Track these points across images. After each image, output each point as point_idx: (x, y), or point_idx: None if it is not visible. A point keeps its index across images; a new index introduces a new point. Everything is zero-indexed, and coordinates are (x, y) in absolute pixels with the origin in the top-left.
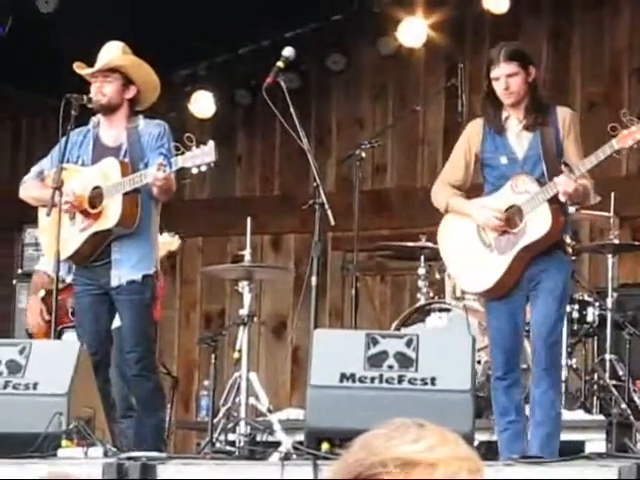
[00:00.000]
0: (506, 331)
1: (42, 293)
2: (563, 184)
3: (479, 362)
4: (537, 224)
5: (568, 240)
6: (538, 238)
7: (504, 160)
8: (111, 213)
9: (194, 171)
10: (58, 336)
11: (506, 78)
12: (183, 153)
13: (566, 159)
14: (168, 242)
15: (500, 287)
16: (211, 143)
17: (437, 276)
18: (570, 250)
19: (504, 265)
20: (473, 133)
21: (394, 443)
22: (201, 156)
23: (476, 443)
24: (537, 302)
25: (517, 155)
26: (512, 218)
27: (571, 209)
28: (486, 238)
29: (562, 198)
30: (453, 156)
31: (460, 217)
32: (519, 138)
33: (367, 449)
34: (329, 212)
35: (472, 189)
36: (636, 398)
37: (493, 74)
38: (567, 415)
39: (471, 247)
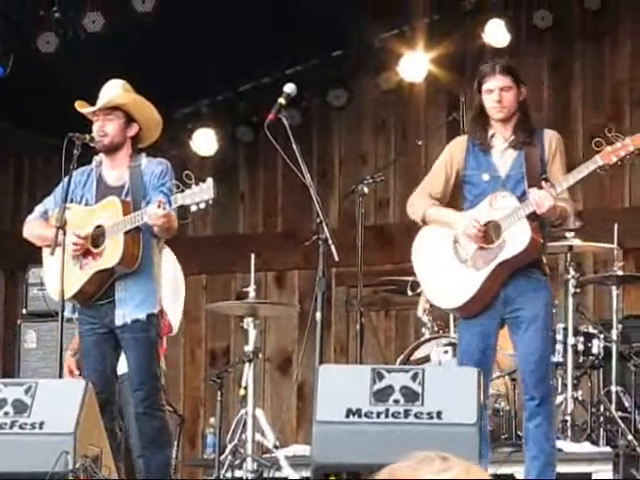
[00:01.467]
0: (476, 353)
1: (69, 353)
2: (541, 197)
3: (487, 395)
4: (515, 240)
5: (544, 260)
6: (516, 254)
7: (486, 177)
8: (113, 252)
9: (193, 209)
10: None
11: (500, 91)
12: (183, 191)
13: (551, 180)
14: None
15: (474, 304)
16: (210, 180)
17: (409, 292)
18: (548, 270)
19: (479, 281)
20: (456, 149)
21: (420, 473)
22: (200, 194)
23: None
24: (519, 332)
25: (500, 173)
26: (489, 234)
27: (577, 241)
28: (462, 253)
29: (537, 211)
30: (433, 170)
31: (436, 229)
32: (503, 156)
33: (392, 476)
34: (333, 248)
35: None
36: None
37: (487, 86)
38: (574, 447)
39: (446, 262)
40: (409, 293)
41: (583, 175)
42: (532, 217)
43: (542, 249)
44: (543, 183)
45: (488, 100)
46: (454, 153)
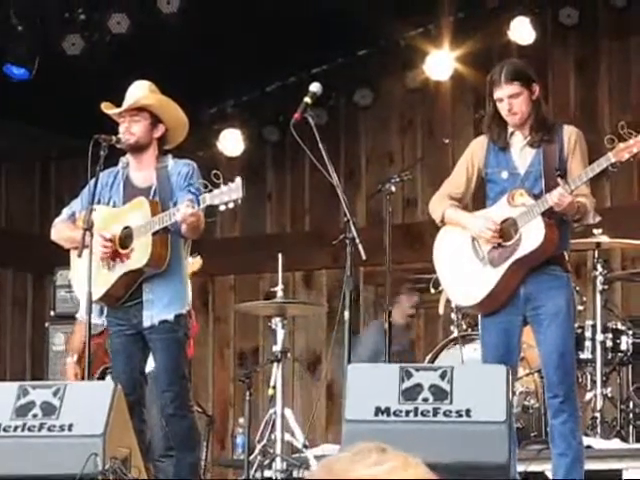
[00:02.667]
0: (500, 349)
1: (75, 357)
2: (556, 195)
3: (514, 393)
4: (530, 237)
5: (567, 257)
6: (531, 251)
7: (505, 175)
8: (141, 253)
9: (222, 208)
10: (102, 377)
11: (509, 99)
12: (211, 191)
13: (569, 176)
14: (190, 263)
15: (492, 301)
16: (238, 180)
17: (432, 290)
18: (570, 267)
19: (495, 278)
20: (477, 148)
21: (355, 467)
22: (228, 193)
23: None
24: (542, 329)
25: (519, 170)
26: (507, 231)
27: (604, 238)
28: (480, 251)
29: (555, 209)
30: (455, 170)
31: (456, 229)
32: (522, 154)
33: (328, 472)
34: (360, 247)
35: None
36: None
37: (496, 96)
38: (603, 444)
39: (464, 260)
40: (431, 291)
41: (595, 172)
42: (548, 214)
43: (561, 245)
44: (559, 180)
45: (500, 108)
46: (475, 153)
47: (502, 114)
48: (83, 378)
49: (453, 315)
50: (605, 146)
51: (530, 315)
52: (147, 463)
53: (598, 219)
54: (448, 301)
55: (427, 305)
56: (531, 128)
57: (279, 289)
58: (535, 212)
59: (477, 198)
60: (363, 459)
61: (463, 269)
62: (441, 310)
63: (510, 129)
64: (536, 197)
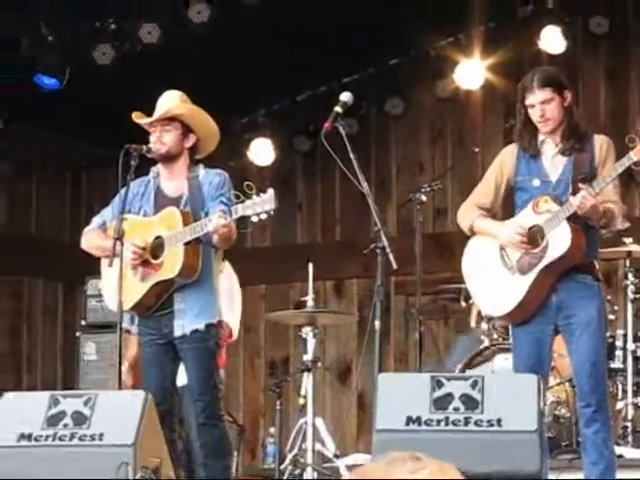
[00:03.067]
0: (531, 359)
1: (126, 365)
2: (579, 197)
3: (545, 402)
4: (557, 242)
5: (597, 266)
6: (559, 256)
7: (537, 183)
8: (173, 263)
9: (254, 219)
10: None
11: (541, 105)
12: (243, 201)
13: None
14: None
15: (522, 311)
16: (271, 191)
17: (462, 303)
18: (600, 276)
19: (525, 286)
20: (507, 157)
21: (393, 474)
22: (261, 204)
23: None
24: (574, 339)
25: (550, 178)
26: (534, 238)
27: (635, 247)
28: (508, 260)
29: (578, 212)
30: (484, 179)
31: (485, 239)
32: (554, 162)
33: (366, 476)
34: (391, 256)
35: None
36: None
37: (528, 102)
38: (634, 453)
39: (493, 269)
40: (462, 304)
41: (618, 172)
42: (573, 219)
43: (590, 252)
44: (580, 184)
45: (532, 114)
46: (504, 162)
47: (534, 120)
48: (134, 387)
49: (484, 325)
50: None
51: (562, 324)
52: (178, 472)
53: (627, 225)
54: (480, 313)
55: (457, 315)
56: (563, 135)
57: (310, 298)
58: (560, 217)
59: (505, 208)
60: (400, 466)
61: (492, 279)
62: (473, 323)
63: (541, 137)
64: (563, 204)
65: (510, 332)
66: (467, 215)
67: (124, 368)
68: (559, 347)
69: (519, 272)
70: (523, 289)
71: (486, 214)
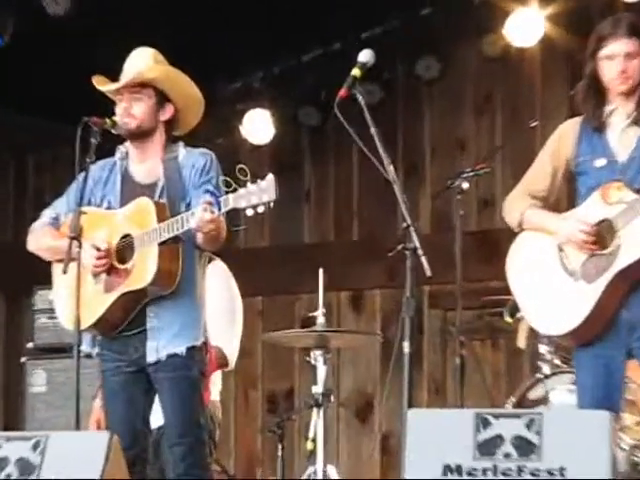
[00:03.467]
0: (599, 390)
1: (99, 402)
2: None
3: (620, 446)
4: (634, 241)
5: None
6: (637, 259)
7: (601, 163)
8: (144, 269)
9: (249, 213)
10: None
11: (625, 58)
12: (235, 190)
13: None
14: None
15: (588, 328)
16: (270, 177)
17: (508, 319)
18: None
19: (593, 298)
20: (566, 134)
21: None
22: (258, 194)
23: None
24: None
25: (617, 157)
26: (602, 236)
27: None
28: (569, 263)
29: None
30: (538, 161)
31: (538, 236)
32: (623, 137)
33: None
34: (424, 260)
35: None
36: None
37: (606, 51)
38: None
39: (550, 276)
40: (506, 319)
41: None
42: None
43: None
44: None
45: (608, 69)
46: (562, 139)
47: (608, 76)
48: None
49: (541, 347)
50: None
51: (636, 347)
52: None
53: None
54: (532, 330)
55: (508, 335)
56: (638, 103)
57: (320, 314)
58: (638, 209)
59: (568, 196)
60: None
61: (548, 288)
62: (521, 344)
63: (609, 107)
64: (639, 191)
65: (573, 357)
66: (516, 205)
67: (96, 404)
68: (636, 376)
69: (584, 279)
70: (591, 300)
71: (540, 204)
